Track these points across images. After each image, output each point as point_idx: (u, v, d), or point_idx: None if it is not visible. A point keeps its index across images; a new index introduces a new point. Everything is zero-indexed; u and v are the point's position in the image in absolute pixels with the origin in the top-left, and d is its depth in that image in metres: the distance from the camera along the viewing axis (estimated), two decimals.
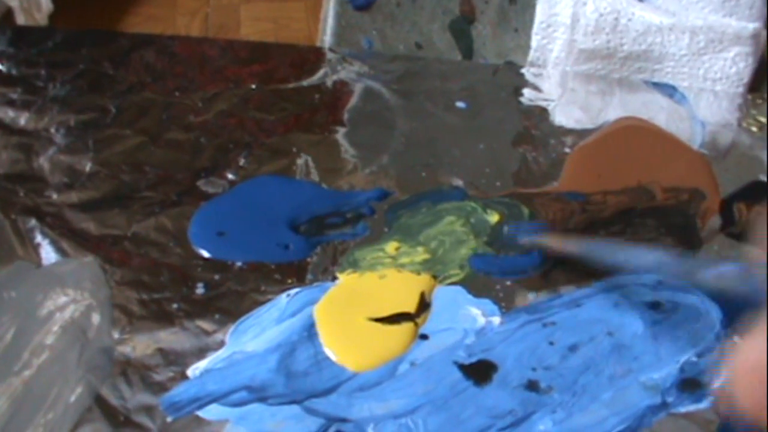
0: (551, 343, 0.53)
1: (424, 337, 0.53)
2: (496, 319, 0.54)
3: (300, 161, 0.62)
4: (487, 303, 0.55)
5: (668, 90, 0.74)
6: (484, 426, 0.49)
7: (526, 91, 0.72)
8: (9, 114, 0.64)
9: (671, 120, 0.70)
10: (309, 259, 0.57)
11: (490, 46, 0.78)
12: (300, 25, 1.45)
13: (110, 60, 0.69)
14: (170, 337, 0.52)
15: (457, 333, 0.53)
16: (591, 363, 0.53)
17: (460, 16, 0.78)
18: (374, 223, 0.59)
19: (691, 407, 0.51)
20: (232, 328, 0.53)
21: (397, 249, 0.57)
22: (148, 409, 0.49)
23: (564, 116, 0.70)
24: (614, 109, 0.71)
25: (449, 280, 0.56)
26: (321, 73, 0.69)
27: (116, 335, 0.52)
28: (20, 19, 1.24)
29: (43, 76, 0.67)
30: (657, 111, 0.71)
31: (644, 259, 0.51)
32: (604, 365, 0.53)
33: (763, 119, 0.71)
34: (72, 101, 0.65)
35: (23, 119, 0.64)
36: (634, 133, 0.69)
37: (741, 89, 0.76)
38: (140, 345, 0.52)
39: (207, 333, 0.53)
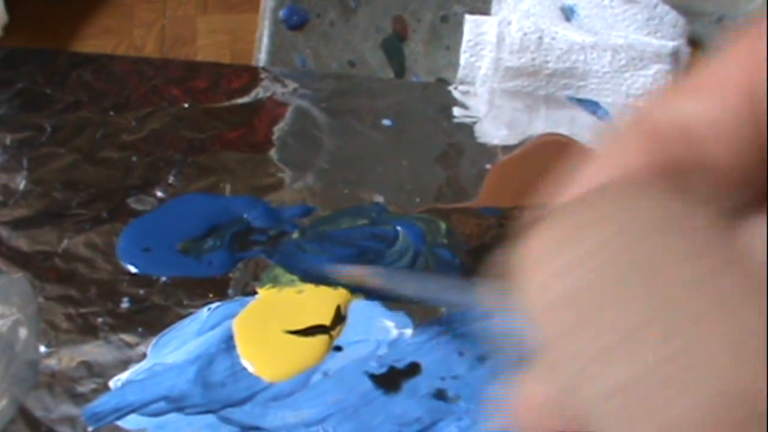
0: (461, 354, 0.56)
1: (338, 348, 0.56)
2: (409, 331, 0.57)
3: (228, 179, 0.65)
4: (401, 316, 0.58)
5: (592, 106, 0.77)
6: None
7: (455, 109, 0.74)
8: None
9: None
10: (231, 275, 0.59)
11: (422, 64, 0.81)
12: (256, 36, 1.47)
13: (48, 79, 0.71)
14: (94, 350, 0.55)
15: (370, 344, 0.56)
16: (498, 372, 0.55)
17: (393, 34, 0.81)
18: None
19: None
20: (154, 340, 0.55)
21: None
22: (71, 420, 0.51)
23: (489, 133, 0.72)
24: (540, 125, 0.74)
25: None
26: (253, 92, 0.72)
27: (43, 349, 0.54)
28: None
29: None
30: (582, 127, 0.74)
31: (430, 288, 0.48)
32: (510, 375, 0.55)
33: None
34: (8, 120, 0.67)
35: None
36: (555, 149, 0.71)
37: None
38: (65, 358, 0.54)
39: (130, 346, 0.55)
